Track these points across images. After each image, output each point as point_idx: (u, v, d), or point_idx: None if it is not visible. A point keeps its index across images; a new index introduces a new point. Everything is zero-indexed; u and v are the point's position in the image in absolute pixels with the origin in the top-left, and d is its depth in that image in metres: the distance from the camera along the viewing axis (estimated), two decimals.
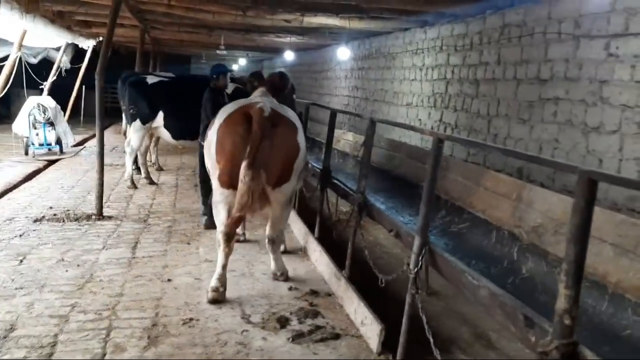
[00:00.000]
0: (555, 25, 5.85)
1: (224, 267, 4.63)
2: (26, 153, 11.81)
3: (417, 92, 9.27)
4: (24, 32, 10.22)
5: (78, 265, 5.19)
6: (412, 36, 9.52)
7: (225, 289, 4.60)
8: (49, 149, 11.97)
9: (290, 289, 4.89)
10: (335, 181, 5.90)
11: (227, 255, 4.63)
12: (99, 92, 6.79)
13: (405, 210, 5.53)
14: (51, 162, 11.28)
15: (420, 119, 9.08)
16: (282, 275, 5.08)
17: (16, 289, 4.57)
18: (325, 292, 4.87)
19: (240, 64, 25.59)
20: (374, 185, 6.60)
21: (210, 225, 5.97)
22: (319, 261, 5.42)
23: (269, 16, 8.15)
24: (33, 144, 11.78)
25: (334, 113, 5.72)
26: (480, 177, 4.69)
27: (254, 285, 4.95)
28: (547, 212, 3.70)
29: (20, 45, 10.67)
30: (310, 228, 6.12)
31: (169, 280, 4.94)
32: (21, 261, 5.23)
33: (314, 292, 4.83)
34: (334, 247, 5.26)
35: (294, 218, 6.86)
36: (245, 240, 6.22)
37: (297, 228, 6.63)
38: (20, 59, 11.59)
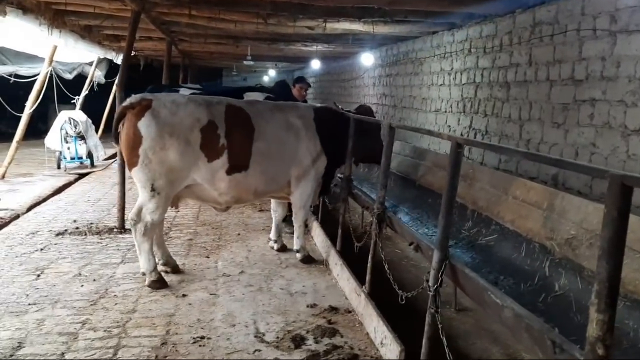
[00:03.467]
0: (589, 21, 5.47)
1: None
2: (58, 167, 12.04)
3: (446, 97, 8.95)
4: (55, 48, 10.42)
5: (94, 280, 5.11)
6: (440, 39, 9.21)
7: None
8: (81, 163, 12.16)
9: (308, 305, 4.66)
10: (357, 191, 5.66)
11: None
12: (119, 105, 6.75)
13: (430, 222, 5.23)
14: (82, 176, 11.42)
15: (449, 126, 8.74)
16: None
17: (29, 304, 4.50)
18: (345, 308, 4.63)
19: (270, 75, 25.64)
20: (398, 194, 6.32)
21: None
22: (340, 275, 5.18)
23: (291, 23, 8.01)
24: (65, 157, 11.99)
25: (349, 120, 5.55)
26: (509, 185, 4.35)
27: (271, 301, 4.74)
28: (582, 223, 3.36)
29: (51, 61, 10.89)
30: (333, 240, 5.90)
31: (184, 295, 4.80)
32: (38, 276, 5.19)
33: (334, 309, 4.60)
34: (358, 260, 4.98)
35: (317, 230, 6.65)
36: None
37: (319, 240, 6.41)
38: (52, 74, 11.86)
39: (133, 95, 5.05)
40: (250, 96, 7.67)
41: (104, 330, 4.05)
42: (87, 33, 10.57)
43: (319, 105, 6.17)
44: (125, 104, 4.90)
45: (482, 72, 7.69)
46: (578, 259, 3.29)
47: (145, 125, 4.72)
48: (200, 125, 4.89)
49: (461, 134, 8.19)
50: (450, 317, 4.46)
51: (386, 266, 4.19)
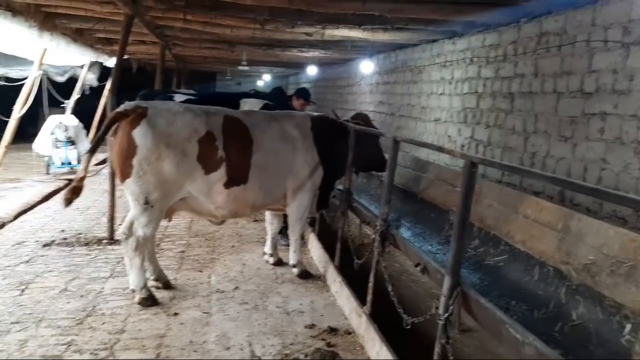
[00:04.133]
0: (600, 32, 5.30)
1: None
2: (47, 172, 11.73)
3: (446, 107, 8.76)
4: (44, 51, 10.15)
5: (81, 296, 4.85)
6: (440, 48, 9.04)
7: None
8: (71, 168, 11.85)
9: (306, 326, 4.44)
10: (357, 205, 5.44)
11: None
12: (111, 110, 6.51)
13: (433, 238, 5.02)
14: (71, 181, 11.08)
15: (449, 136, 8.55)
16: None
17: (12, 323, 4.25)
18: (345, 329, 4.41)
19: (265, 80, 25.40)
20: (399, 208, 6.12)
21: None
22: (339, 293, 4.96)
23: (289, 29, 7.81)
24: (54, 163, 11.69)
25: (347, 129, 5.34)
26: (519, 203, 4.15)
27: (267, 321, 4.51)
28: (602, 248, 3.16)
29: (41, 64, 10.61)
30: (331, 254, 5.67)
31: (176, 314, 4.56)
32: (22, 291, 4.92)
33: (333, 330, 4.38)
34: (358, 276, 4.75)
35: (313, 243, 6.43)
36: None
37: (316, 254, 6.18)
38: (42, 77, 11.60)
39: (127, 102, 4.81)
40: (247, 103, 7.42)
41: (90, 353, 3.81)
42: (79, 36, 10.32)
43: (316, 114, 5.96)
44: (118, 110, 4.63)
45: (484, 82, 7.51)
46: (598, 286, 3.08)
47: (140, 134, 4.47)
48: (198, 136, 4.66)
49: (462, 145, 8.01)
50: (454, 339, 4.24)
51: (389, 287, 3.97)
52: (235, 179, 4.86)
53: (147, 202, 4.55)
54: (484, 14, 6.32)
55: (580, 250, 3.31)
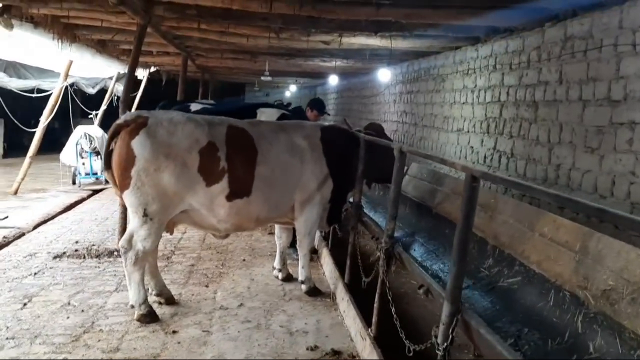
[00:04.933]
0: (628, 35, 4.92)
1: None
2: (73, 182, 11.91)
3: (469, 116, 8.42)
4: (70, 63, 10.29)
5: (82, 311, 4.76)
6: (463, 55, 8.72)
7: None
8: (96, 179, 11.98)
9: (308, 348, 4.20)
10: (367, 219, 5.20)
11: None
12: None
13: (446, 256, 4.72)
14: (95, 192, 11.21)
15: (472, 147, 8.20)
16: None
17: (7, 338, 4.17)
18: (349, 352, 4.16)
19: (291, 91, 25.40)
20: (413, 223, 5.83)
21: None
22: (347, 313, 4.71)
23: (305, 38, 7.65)
24: (80, 173, 11.84)
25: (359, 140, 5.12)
26: (536, 221, 3.82)
27: (268, 341, 4.30)
28: (622, 272, 2.83)
29: (67, 76, 10.77)
30: (342, 270, 5.43)
31: (174, 332, 4.41)
32: (25, 304, 4.86)
33: (336, 353, 4.14)
34: (370, 294, 4.48)
35: (326, 259, 6.20)
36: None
37: (328, 270, 5.94)
38: (67, 89, 11.78)
39: (128, 112, 4.72)
40: (264, 112, 7.30)
41: None
42: (102, 47, 10.43)
43: (327, 124, 5.74)
44: (119, 121, 4.54)
45: (507, 90, 7.16)
46: (617, 316, 2.75)
47: (139, 144, 4.35)
48: (199, 146, 4.51)
49: (484, 156, 7.66)
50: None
51: (393, 309, 3.70)
52: (238, 191, 4.69)
53: (145, 215, 4.42)
54: (502, 17, 6.00)
55: (599, 274, 2.98)
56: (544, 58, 6.25)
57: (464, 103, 8.67)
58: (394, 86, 12.78)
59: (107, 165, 4.56)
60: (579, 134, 5.57)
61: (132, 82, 6.68)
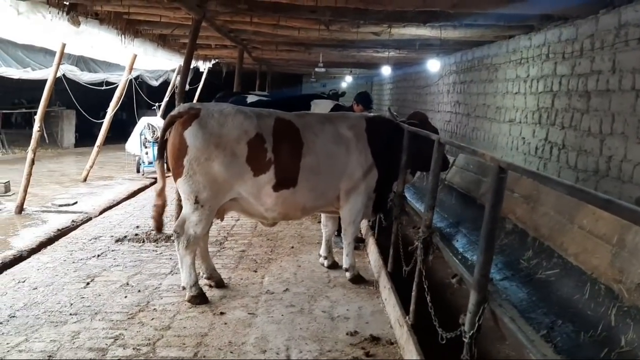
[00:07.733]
0: None
1: None
2: (138, 171, 12.53)
3: (521, 106, 8.24)
4: (134, 56, 10.83)
5: (139, 291, 5.11)
6: (516, 44, 8.52)
7: None
8: None
9: (348, 333, 4.34)
10: (410, 209, 5.27)
11: None
12: None
13: None
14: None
15: (524, 138, 8.04)
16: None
17: (70, 314, 4.55)
18: (387, 339, 4.26)
19: (347, 81, 25.51)
20: (458, 213, 5.83)
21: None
22: (388, 301, 4.82)
23: (354, 29, 7.72)
24: (143, 162, 12.44)
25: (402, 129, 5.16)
26: (576, 213, 3.77)
27: (309, 325, 4.48)
28: None
29: (131, 69, 11.34)
30: (386, 259, 5.52)
31: (222, 313, 4.66)
32: (87, 284, 5.27)
33: (375, 339, 4.25)
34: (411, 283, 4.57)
35: (371, 247, 6.31)
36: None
37: (373, 258, 6.05)
38: (132, 81, 12.39)
39: (182, 104, 4.98)
40: (317, 104, 7.48)
41: (133, 348, 3.98)
42: (163, 42, 10.89)
43: (372, 114, 5.82)
44: (173, 113, 4.82)
45: (560, 79, 6.97)
46: None
47: (191, 134, 4.62)
48: (247, 137, 4.73)
49: (536, 147, 7.49)
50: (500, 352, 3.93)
51: (428, 297, 3.78)
52: (284, 181, 4.87)
53: (197, 202, 4.69)
54: (557, 3, 5.84)
55: (634, 268, 2.95)
56: (597, 46, 6.06)
57: (516, 93, 8.49)
58: (448, 76, 12.62)
59: (160, 154, 4.85)
60: (632, 124, 5.39)
61: (187, 75, 6.98)
